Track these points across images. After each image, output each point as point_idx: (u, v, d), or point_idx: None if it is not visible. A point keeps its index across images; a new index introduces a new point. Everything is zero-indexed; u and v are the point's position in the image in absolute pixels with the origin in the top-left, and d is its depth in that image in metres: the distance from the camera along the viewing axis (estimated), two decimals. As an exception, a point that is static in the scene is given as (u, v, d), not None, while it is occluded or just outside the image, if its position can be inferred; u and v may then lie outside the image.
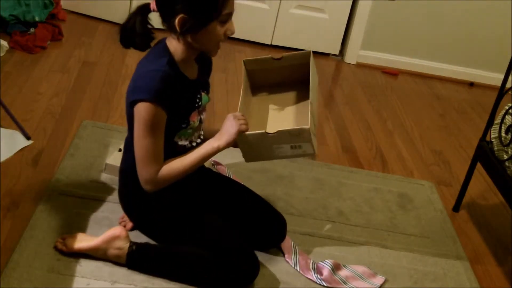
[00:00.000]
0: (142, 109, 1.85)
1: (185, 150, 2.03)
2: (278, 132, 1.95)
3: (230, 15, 1.89)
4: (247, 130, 1.95)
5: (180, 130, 1.99)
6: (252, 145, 2.01)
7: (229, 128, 1.94)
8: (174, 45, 1.93)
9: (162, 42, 1.96)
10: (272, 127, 2.08)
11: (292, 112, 2.22)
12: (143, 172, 1.93)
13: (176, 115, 1.94)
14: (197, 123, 2.05)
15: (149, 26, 1.93)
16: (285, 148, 2.00)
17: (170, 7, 1.85)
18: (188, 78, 1.97)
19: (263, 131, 1.97)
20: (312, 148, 1.98)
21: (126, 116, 1.99)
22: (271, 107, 2.26)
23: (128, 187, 2.08)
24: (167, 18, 1.87)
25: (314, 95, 2.09)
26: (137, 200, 2.07)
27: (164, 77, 1.85)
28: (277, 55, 2.22)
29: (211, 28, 1.86)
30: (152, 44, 1.98)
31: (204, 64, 2.09)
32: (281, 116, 2.22)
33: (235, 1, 1.90)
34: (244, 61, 2.23)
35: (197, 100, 2.02)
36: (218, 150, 1.97)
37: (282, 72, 2.23)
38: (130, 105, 1.90)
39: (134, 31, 1.93)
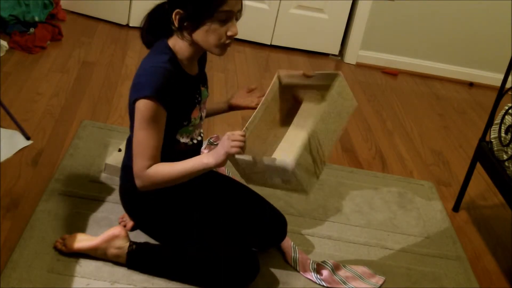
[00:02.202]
0: (142, 105, 1.85)
1: (187, 147, 2.04)
2: (265, 163, 1.80)
3: (230, 13, 1.84)
4: (237, 153, 1.81)
5: (181, 128, 2.00)
6: (243, 169, 1.89)
7: (220, 148, 1.82)
8: (179, 43, 1.92)
9: (163, 40, 1.95)
10: (277, 154, 1.96)
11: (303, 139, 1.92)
12: (134, 165, 1.92)
13: (178, 112, 1.94)
14: (198, 120, 2.05)
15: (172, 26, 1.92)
16: (276, 181, 1.84)
17: (172, 1, 1.86)
18: (188, 74, 1.97)
19: (251, 157, 1.82)
20: (302, 187, 1.78)
21: (128, 114, 2.00)
22: (292, 128, 2.05)
23: (129, 184, 2.08)
24: (170, 12, 1.87)
25: (324, 124, 1.84)
26: (137, 198, 2.07)
27: (164, 73, 1.85)
28: (309, 72, 2.02)
29: (208, 27, 1.84)
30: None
31: (202, 59, 2.09)
32: (293, 141, 1.96)
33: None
34: (278, 74, 2.07)
35: (197, 96, 2.03)
36: (207, 167, 1.86)
37: (315, 93, 2.02)
38: (132, 103, 1.90)
39: (155, 28, 1.94)
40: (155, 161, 1.90)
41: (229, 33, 1.85)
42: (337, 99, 1.89)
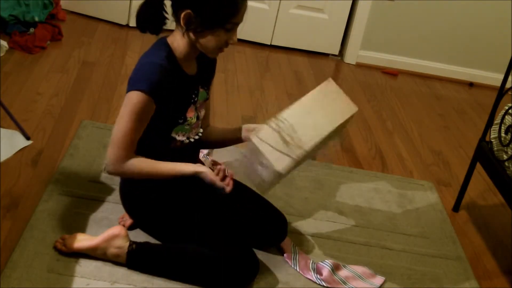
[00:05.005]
0: (133, 96, 1.88)
1: (183, 146, 2.05)
2: (243, 153, 1.95)
3: (236, 25, 1.91)
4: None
5: (177, 126, 2.00)
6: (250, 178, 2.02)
7: (209, 179, 1.96)
8: (177, 40, 1.95)
9: (163, 38, 1.98)
10: None
11: None
12: (111, 152, 1.94)
13: (172, 109, 1.95)
14: (194, 120, 2.06)
15: (165, 13, 1.94)
16: (260, 170, 1.95)
17: (182, 1, 1.87)
18: (186, 73, 1.99)
19: (238, 157, 2.01)
20: (270, 162, 1.90)
21: None
22: None
23: (128, 183, 2.08)
24: (176, 10, 1.89)
25: (300, 112, 1.97)
26: (137, 197, 2.08)
27: (160, 69, 1.87)
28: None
29: (215, 33, 1.89)
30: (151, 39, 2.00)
31: (207, 61, 2.10)
32: None
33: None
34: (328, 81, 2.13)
35: (194, 96, 2.03)
36: (194, 174, 1.98)
37: None
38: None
39: (147, 14, 1.94)
40: (133, 152, 1.94)
41: (230, 41, 1.93)
42: (322, 96, 2.01)
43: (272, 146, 1.90)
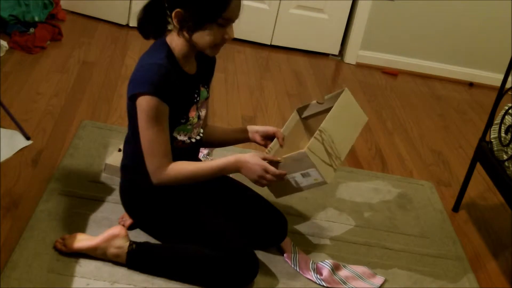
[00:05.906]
0: (143, 102, 1.87)
1: (184, 146, 2.05)
2: (284, 158, 1.97)
3: (230, 20, 1.89)
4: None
5: (179, 125, 2.01)
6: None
7: (251, 174, 1.96)
8: (175, 40, 1.95)
9: (162, 39, 1.98)
10: None
11: None
12: (149, 163, 1.95)
13: (175, 109, 1.95)
14: (196, 119, 2.06)
15: (168, 18, 1.94)
16: (298, 178, 2.01)
17: (173, 0, 1.87)
18: (186, 72, 1.99)
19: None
20: (320, 175, 1.96)
21: (127, 111, 2.01)
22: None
23: (128, 183, 2.09)
24: (169, 9, 1.89)
25: (333, 124, 2.04)
26: (137, 197, 2.08)
27: (161, 70, 1.87)
28: (320, 99, 2.26)
29: (208, 29, 1.88)
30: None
31: (207, 61, 2.10)
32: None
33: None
34: (297, 110, 2.28)
35: (195, 95, 2.03)
36: (235, 164, 1.98)
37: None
38: (130, 99, 1.92)
39: (150, 20, 1.94)
40: (169, 157, 1.94)
41: (226, 37, 1.92)
42: (344, 108, 2.10)
43: (320, 158, 1.96)
